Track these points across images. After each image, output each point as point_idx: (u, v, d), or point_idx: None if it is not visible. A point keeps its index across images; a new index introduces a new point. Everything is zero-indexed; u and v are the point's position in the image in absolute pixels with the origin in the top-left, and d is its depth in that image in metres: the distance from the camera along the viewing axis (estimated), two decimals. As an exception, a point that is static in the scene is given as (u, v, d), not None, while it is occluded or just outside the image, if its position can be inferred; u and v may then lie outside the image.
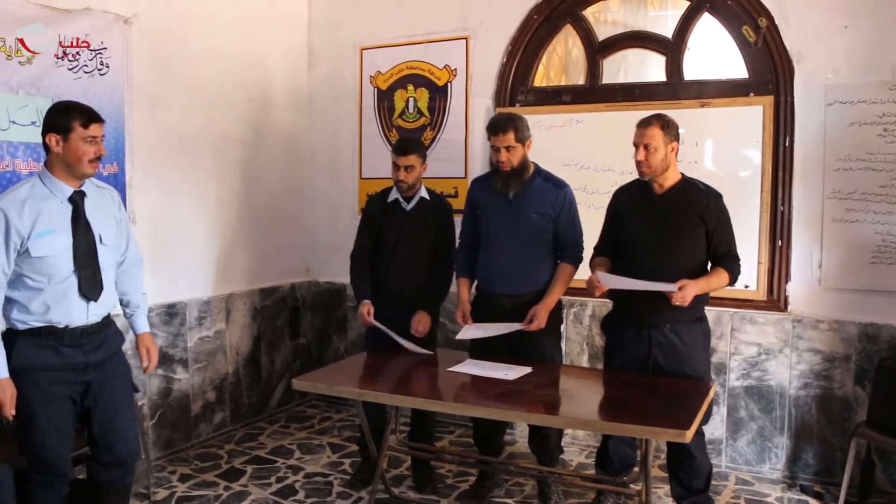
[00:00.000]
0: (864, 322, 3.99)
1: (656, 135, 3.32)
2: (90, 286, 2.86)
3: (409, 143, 4.03)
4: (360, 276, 4.05)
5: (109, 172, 4.07)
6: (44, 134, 2.79)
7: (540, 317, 3.60)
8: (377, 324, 3.82)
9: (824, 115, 4.05)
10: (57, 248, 2.77)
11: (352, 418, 5.19)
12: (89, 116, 2.81)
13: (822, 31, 4.04)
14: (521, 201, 3.69)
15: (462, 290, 3.84)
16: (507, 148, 3.61)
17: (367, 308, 3.90)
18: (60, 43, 3.80)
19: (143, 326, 3.23)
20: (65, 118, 2.78)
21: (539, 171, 3.76)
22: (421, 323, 3.90)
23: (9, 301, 2.77)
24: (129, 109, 4.17)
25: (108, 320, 3.00)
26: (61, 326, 2.80)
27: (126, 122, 4.15)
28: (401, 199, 4.00)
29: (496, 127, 3.64)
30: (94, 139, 2.82)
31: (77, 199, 2.85)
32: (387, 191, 4.09)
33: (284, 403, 5.45)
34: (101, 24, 4.00)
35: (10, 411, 2.70)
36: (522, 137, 3.64)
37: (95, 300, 2.87)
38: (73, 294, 2.82)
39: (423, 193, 4.02)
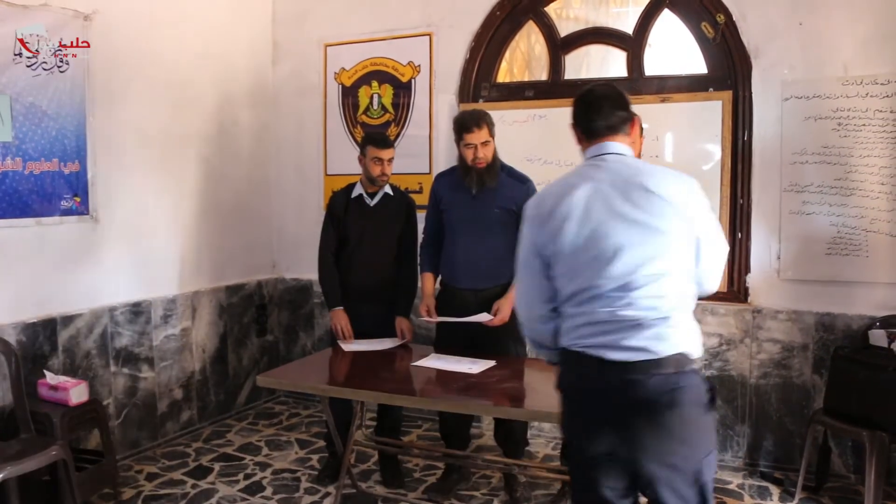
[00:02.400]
0: (821, 312, 4.09)
1: None
2: None
3: (387, 137, 4.09)
4: (330, 278, 4.06)
5: (71, 171, 4.03)
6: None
7: (504, 310, 3.63)
8: (353, 346, 3.88)
9: (781, 110, 4.13)
10: None
11: (319, 414, 5.19)
12: None
13: (778, 28, 4.12)
14: (485, 196, 3.71)
15: (427, 284, 3.86)
16: (483, 143, 3.64)
17: (344, 320, 3.96)
18: (19, 39, 3.75)
19: None
20: None
21: (502, 167, 3.79)
22: (408, 330, 3.97)
23: None
24: (91, 107, 4.13)
25: None
26: None
27: (88, 119, 4.11)
28: (365, 195, 4.02)
29: (470, 124, 3.63)
30: None
31: None
32: (350, 187, 4.11)
33: (252, 400, 5.44)
34: (61, 20, 3.95)
35: None
36: (493, 132, 3.68)
37: None
38: None
39: (387, 189, 4.04)
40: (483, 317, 3.61)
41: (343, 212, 4.04)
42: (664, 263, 2.14)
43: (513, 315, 3.68)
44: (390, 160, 3.95)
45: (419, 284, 4.03)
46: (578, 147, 2.41)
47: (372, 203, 4.02)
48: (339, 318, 3.98)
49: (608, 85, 2.46)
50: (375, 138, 4.02)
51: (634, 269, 2.13)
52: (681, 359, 2.13)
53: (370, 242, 4.00)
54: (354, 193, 4.05)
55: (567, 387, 2.29)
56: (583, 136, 2.38)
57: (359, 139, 5.24)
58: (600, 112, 2.33)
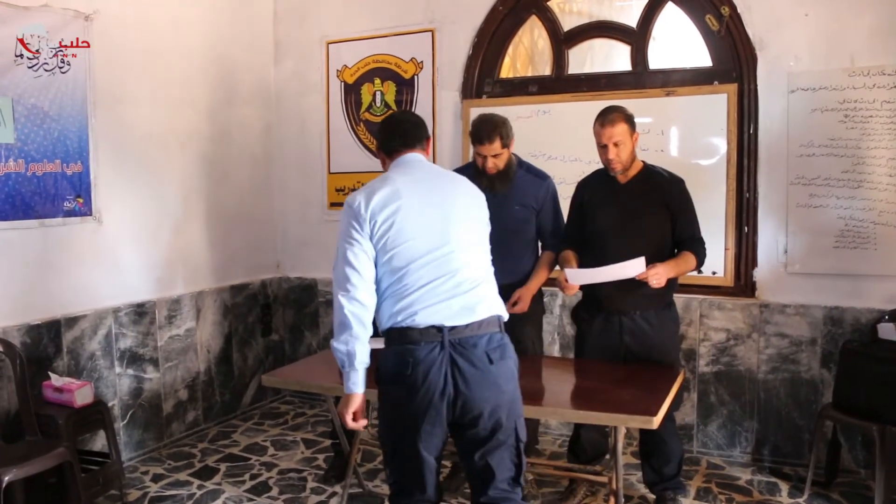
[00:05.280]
0: (829, 306, 4.05)
1: (623, 130, 3.33)
2: None
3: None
4: None
5: (73, 172, 4.02)
6: None
7: (524, 300, 3.59)
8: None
9: (787, 102, 4.09)
10: None
11: (325, 413, 5.17)
12: None
13: (784, 19, 4.08)
14: (504, 193, 3.65)
15: None
16: (494, 156, 3.57)
17: None
18: (19, 41, 3.73)
19: None
20: None
21: (521, 163, 3.75)
22: None
23: None
24: (93, 108, 4.12)
25: None
26: None
27: (90, 120, 4.10)
28: None
29: (482, 136, 3.55)
30: None
31: None
32: None
33: (257, 400, 5.43)
34: (62, 21, 3.93)
35: None
36: (507, 142, 3.59)
37: None
38: None
39: None
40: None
41: None
42: None
43: (532, 308, 3.66)
44: None
45: None
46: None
47: None
48: None
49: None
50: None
51: None
52: None
53: None
54: None
55: None
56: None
57: (362, 137, 5.23)
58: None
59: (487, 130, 3.56)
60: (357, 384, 2.48)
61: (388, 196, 2.48)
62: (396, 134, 2.71)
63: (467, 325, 2.45)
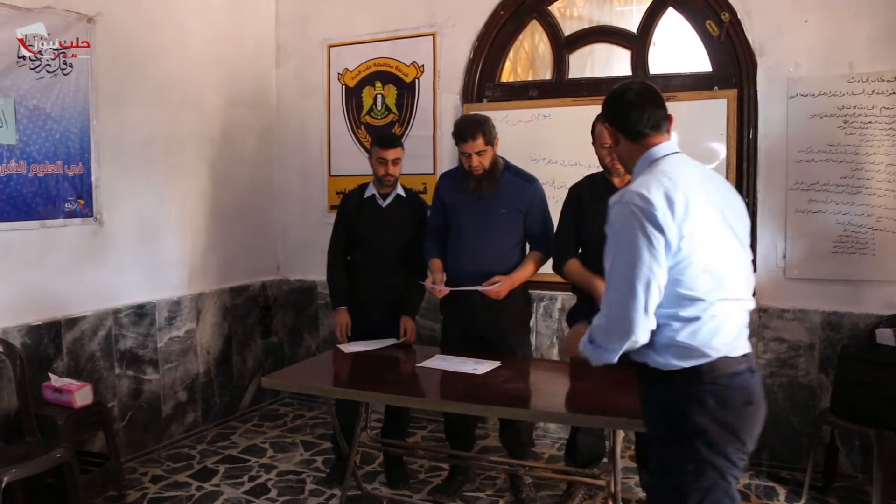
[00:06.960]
0: (828, 311, 4.06)
1: None
2: None
3: (394, 136, 4.06)
4: (336, 277, 4.07)
5: (74, 173, 4.03)
6: None
7: (503, 285, 3.57)
8: (352, 347, 3.84)
9: (787, 108, 4.10)
10: None
11: (325, 416, 5.18)
12: None
13: (784, 25, 4.10)
14: (491, 197, 3.68)
15: (435, 265, 3.79)
16: (478, 153, 3.60)
17: (345, 320, 3.98)
18: (20, 41, 3.74)
19: None
20: None
21: (508, 167, 3.76)
22: (411, 330, 3.93)
23: None
24: (95, 109, 4.13)
25: None
26: None
27: (91, 121, 4.11)
28: (377, 196, 4.00)
29: (464, 134, 3.60)
30: None
31: None
32: (363, 187, 4.09)
33: (257, 402, 5.44)
34: (64, 23, 3.95)
35: None
36: (491, 139, 3.62)
37: None
38: None
39: (400, 190, 4.03)
40: (486, 287, 3.57)
41: (355, 212, 4.03)
42: None
43: (518, 313, 3.67)
44: (395, 160, 3.91)
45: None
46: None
47: (384, 204, 4.00)
48: (340, 318, 4.00)
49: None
50: (380, 138, 4.01)
51: None
52: None
53: (382, 244, 3.99)
54: (367, 194, 4.03)
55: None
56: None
57: (363, 140, 5.25)
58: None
59: (469, 128, 3.61)
60: None
61: (685, 202, 2.04)
62: (645, 112, 2.24)
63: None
